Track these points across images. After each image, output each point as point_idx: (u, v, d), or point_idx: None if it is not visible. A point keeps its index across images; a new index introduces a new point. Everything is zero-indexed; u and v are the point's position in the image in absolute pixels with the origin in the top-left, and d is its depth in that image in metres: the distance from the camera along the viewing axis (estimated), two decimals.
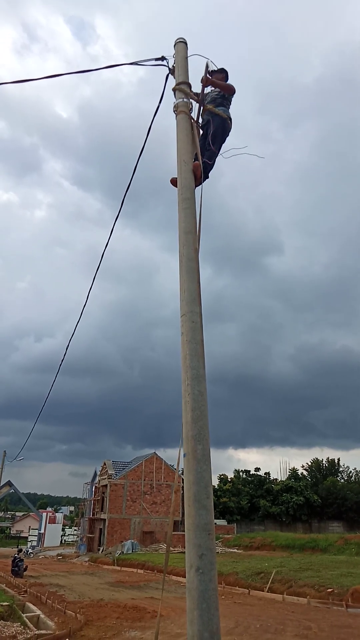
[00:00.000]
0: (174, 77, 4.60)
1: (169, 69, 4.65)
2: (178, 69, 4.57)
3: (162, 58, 4.70)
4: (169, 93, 4.58)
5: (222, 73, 5.21)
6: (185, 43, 4.67)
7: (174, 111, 4.40)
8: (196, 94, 4.74)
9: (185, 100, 4.42)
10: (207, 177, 4.75)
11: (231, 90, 5.10)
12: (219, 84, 5.03)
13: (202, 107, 4.90)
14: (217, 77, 5.09)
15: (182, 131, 4.26)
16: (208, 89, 5.07)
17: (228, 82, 5.16)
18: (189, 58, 4.68)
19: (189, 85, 4.53)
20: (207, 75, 4.87)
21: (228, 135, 4.99)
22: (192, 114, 4.51)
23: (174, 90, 4.48)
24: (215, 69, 5.13)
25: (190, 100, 4.53)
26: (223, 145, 4.98)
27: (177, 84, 4.48)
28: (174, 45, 4.68)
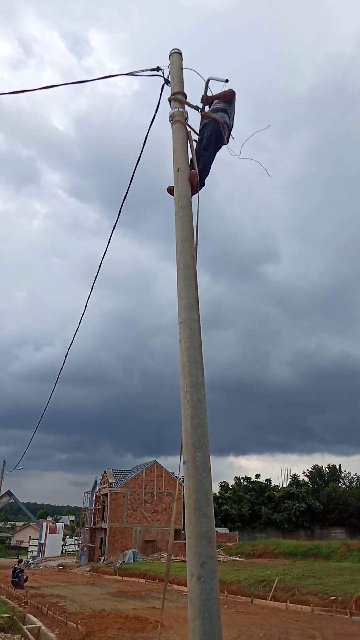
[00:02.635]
0: (170, 87, 4.66)
1: (165, 79, 4.72)
2: (173, 79, 4.62)
3: (158, 69, 4.76)
4: (164, 104, 4.63)
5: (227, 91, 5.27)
6: (180, 54, 4.75)
7: (169, 120, 4.44)
8: (196, 107, 4.81)
9: (180, 109, 4.47)
10: (204, 185, 4.77)
11: (231, 94, 5.13)
12: (219, 95, 5.06)
13: (201, 114, 4.96)
14: (224, 93, 5.14)
15: (178, 140, 4.31)
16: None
17: (227, 92, 5.18)
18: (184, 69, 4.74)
19: (185, 95, 4.59)
20: (207, 94, 4.95)
21: (221, 142, 4.98)
22: (187, 123, 4.56)
23: (170, 100, 4.54)
24: (222, 80, 5.13)
25: (187, 109, 4.58)
26: (218, 152, 5.01)
27: (172, 94, 4.54)
28: (169, 56, 4.75)
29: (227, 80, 5.09)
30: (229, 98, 5.15)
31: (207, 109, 5.03)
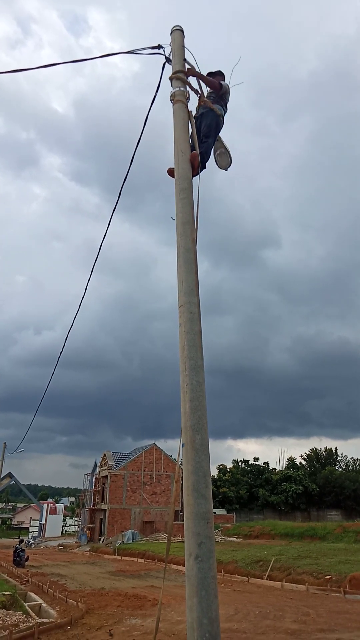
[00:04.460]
0: (171, 66, 4.54)
1: (166, 57, 4.59)
2: (175, 57, 4.49)
3: (159, 46, 4.64)
4: (165, 84, 4.51)
5: (220, 75, 5.17)
6: (182, 31, 4.59)
7: (170, 100, 4.33)
8: (196, 91, 4.74)
9: (182, 89, 4.36)
10: (205, 167, 4.71)
11: (215, 87, 5.01)
12: (205, 79, 4.93)
13: (200, 99, 4.87)
14: (218, 79, 5.05)
15: (179, 120, 4.21)
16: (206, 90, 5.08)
17: (215, 80, 5.06)
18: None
19: (187, 74, 4.48)
20: (196, 70, 4.87)
21: (219, 132, 4.99)
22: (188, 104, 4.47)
23: (171, 79, 4.41)
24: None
25: (188, 90, 4.48)
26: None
27: (174, 73, 4.41)
28: (171, 34, 4.60)
29: (220, 72, 5.09)
30: (211, 89, 5.03)
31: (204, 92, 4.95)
